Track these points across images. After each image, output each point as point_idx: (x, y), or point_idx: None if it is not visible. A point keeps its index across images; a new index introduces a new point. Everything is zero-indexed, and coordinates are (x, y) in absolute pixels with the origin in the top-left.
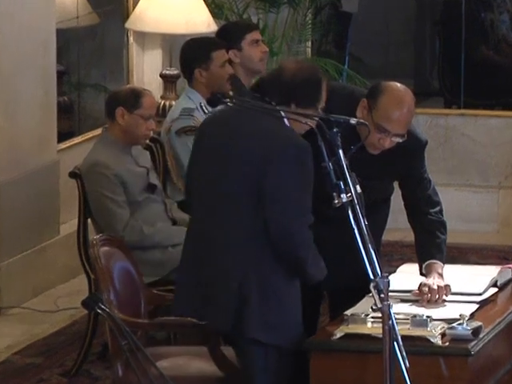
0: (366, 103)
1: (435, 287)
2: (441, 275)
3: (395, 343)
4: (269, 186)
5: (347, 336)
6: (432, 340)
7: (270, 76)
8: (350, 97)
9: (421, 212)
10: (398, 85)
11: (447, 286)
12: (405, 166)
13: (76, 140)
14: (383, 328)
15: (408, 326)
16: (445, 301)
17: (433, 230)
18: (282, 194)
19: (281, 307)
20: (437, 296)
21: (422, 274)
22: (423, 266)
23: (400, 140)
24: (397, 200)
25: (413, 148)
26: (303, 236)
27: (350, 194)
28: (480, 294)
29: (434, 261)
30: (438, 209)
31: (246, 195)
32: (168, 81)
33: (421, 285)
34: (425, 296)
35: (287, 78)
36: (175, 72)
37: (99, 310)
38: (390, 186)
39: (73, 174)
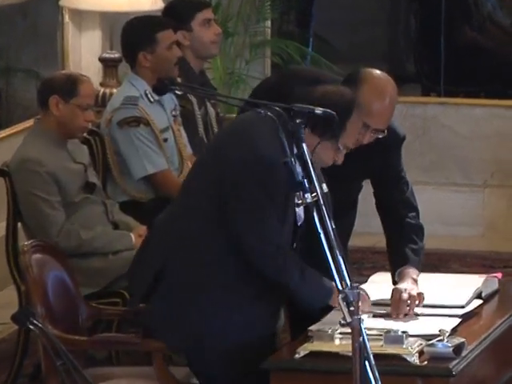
0: None
1: (405, 297)
2: (415, 281)
3: (366, 362)
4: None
5: (312, 354)
6: (408, 359)
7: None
8: (317, 83)
9: (397, 216)
10: (379, 73)
11: (420, 295)
12: (379, 163)
13: (3, 133)
14: (353, 345)
15: (381, 343)
16: (417, 314)
17: (410, 236)
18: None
19: (199, 313)
20: (407, 308)
21: (394, 282)
22: (396, 272)
23: (380, 136)
24: (368, 202)
25: (389, 143)
26: (266, 254)
27: (315, 194)
28: (462, 307)
29: (409, 266)
30: (415, 213)
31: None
32: (108, 65)
33: (392, 292)
34: (394, 305)
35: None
36: (116, 55)
37: (31, 326)
38: (359, 186)
39: (0, 172)
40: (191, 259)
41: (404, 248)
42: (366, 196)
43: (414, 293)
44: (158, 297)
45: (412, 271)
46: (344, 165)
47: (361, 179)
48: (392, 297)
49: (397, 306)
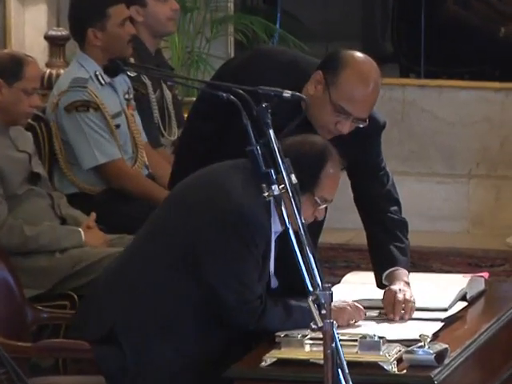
0: (322, 77)
1: (401, 297)
2: (407, 284)
3: (339, 371)
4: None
5: (280, 362)
6: (386, 367)
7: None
8: (292, 65)
9: (379, 210)
10: (362, 56)
11: (410, 302)
12: (358, 152)
13: None
14: (324, 352)
15: (356, 350)
16: (410, 319)
17: (394, 233)
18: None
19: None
20: (402, 311)
21: (380, 286)
22: (384, 274)
23: (361, 125)
24: (342, 195)
25: (368, 130)
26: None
27: (283, 186)
28: (445, 310)
29: (398, 268)
30: (397, 207)
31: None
32: (55, 44)
33: (385, 293)
34: (389, 307)
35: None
36: (63, 33)
37: None
38: None
39: None
40: (145, 313)
41: (389, 247)
42: (340, 188)
43: (409, 296)
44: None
45: (402, 273)
46: None
47: None
48: (385, 298)
49: (392, 308)
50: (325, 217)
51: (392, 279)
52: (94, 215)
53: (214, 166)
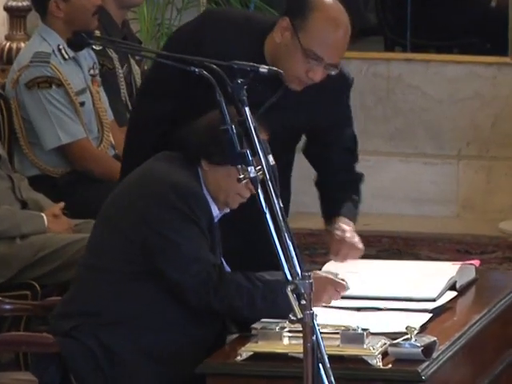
0: (289, 23)
1: (349, 236)
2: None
3: (320, 365)
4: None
5: (256, 356)
6: (370, 361)
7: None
8: (247, 22)
9: (341, 168)
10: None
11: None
12: (326, 110)
13: None
14: (304, 345)
15: (338, 343)
16: (380, 308)
17: (356, 186)
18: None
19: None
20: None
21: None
22: (334, 217)
23: (333, 72)
24: None
25: (337, 85)
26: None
27: (259, 167)
28: (433, 300)
29: (347, 218)
30: (356, 163)
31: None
32: (15, 15)
33: (332, 231)
34: (335, 246)
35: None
36: (24, 4)
37: None
38: (295, 146)
39: None
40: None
41: (344, 198)
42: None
43: (357, 241)
44: None
45: (350, 223)
46: (285, 114)
47: (300, 132)
48: (331, 236)
49: (339, 247)
50: (290, 193)
51: (338, 223)
52: (62, 204)
53: (137, 168)
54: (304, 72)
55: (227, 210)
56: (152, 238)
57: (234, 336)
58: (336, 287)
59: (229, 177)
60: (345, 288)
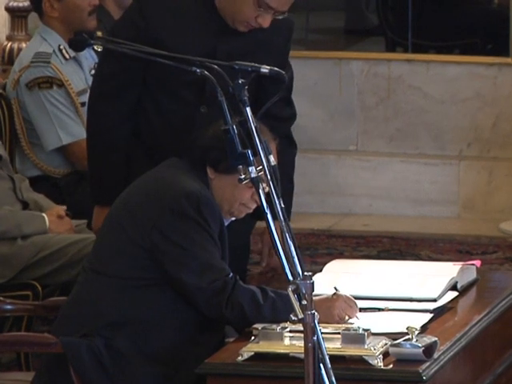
0: None
1: None
2: None
3: (321, 365)
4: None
5: (257, 356)
6: (371, 361)
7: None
8: None
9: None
10: None
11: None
12: (278, 50)
13: None
14: (305, 346)
15: (339, 343)
16: (381, 309)
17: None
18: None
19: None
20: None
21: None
22: None
23: (280, 17)
24: (323, 179)
25: (285, 25)
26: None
27: (260, 167)
28: (434, 300)
29: None
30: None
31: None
32: (16, 16)
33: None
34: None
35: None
36: (25, 4)
37: None
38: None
39: None
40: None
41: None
42: (321, 173)
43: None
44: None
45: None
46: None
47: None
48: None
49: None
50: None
51: None
52: (63, 208)
53: (148, 172)
54: (253, 18)
55: (233, 218)
56: (164, 246)
57: (234, 336)
58: (345, 300)
59: (234, 186)
60: (355, 303)
